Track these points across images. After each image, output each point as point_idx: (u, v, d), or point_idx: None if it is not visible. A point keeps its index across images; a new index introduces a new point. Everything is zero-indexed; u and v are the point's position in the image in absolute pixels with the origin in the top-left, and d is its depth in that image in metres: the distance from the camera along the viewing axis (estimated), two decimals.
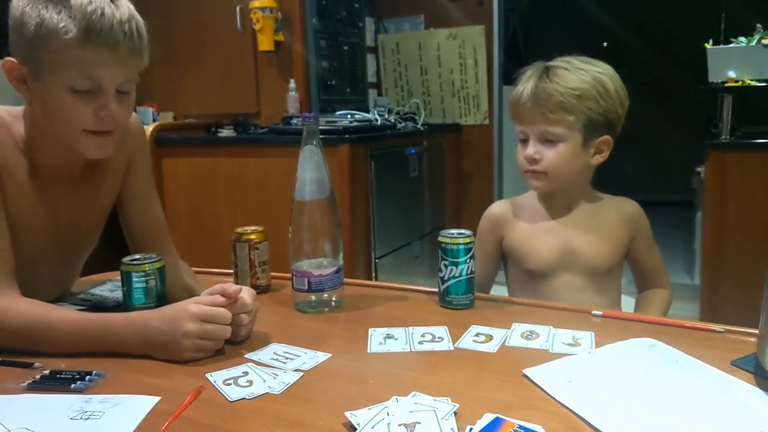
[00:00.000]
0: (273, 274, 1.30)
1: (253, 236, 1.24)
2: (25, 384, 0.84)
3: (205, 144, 3.06)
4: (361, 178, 2.74)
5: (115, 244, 1.24)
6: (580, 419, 0.72)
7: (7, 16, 0.96)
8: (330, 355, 0.93)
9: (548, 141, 1.26)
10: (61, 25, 0.90)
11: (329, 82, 3.39)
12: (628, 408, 0.74)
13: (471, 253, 1.12)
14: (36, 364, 0.89)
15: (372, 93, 3.85)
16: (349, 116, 3.04)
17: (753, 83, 2.57)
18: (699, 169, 3.05)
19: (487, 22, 3.69)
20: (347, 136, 2.68)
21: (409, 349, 0.95)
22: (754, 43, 2.58)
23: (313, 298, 1.13)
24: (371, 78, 3.86)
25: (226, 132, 3.10)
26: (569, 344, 0.94)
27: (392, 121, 3.21)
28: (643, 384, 0.80)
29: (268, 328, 1.03)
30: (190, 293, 1.11)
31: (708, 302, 2.59)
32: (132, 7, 0.97)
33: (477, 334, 1.00)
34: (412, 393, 0.77)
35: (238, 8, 3.24)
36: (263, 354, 0.93)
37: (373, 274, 2.84)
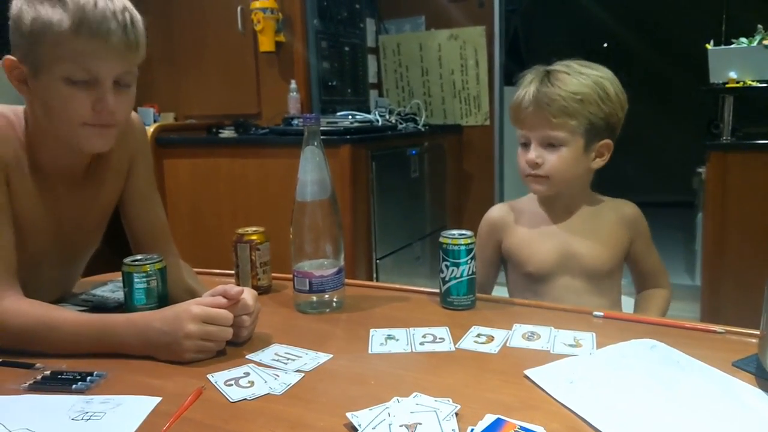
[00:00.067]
0: (274, 274, 1.30)
1: (254, 237, 1.24)
2: (27, 384, 0.84)
3: (206, 145, 3.07)
4: (362, 178, 2.74)
5: (117, 244, 1.24)
6: (581, 420, 0.72)
7: (8, 18, 0.97)
8: (331, 355, 0.93)
9: (550, 145, 1.27)
10: (56, 18, 0.91)
11: (330, 83, 3.39)
12: (630, 409, 0.74)
13: (472, 253, 1.12)
14: (37, 365, 0.89)
15: (373, 94, 3.85)
16: (350, 117, 3.04)
17: (754, 84, 2.57)
18: (700, 170, 3.05)
19: (488, 23, 3.69)
20: (348, 136, 2.68)
21: (410, 350, 0.95)
22: (755, 43, 2.57)
23: (315, 298, 1.13)
24: (372, 79, 3.86)
25: (227, 133, 3.10)
26: (570, 345, 0.94)
27: (393, 121, 3.22)
28: (644, 385, 0.80)
29: (270, 328, 1.03)
30: (192, 294, 1.11)
31: (709, 303, 2.59)
32: (127, 0, 0.98)
33: (478, 335, 1.00)
34: (414, 394, 0.77)
35: (239, 9, 3.24)
36: (264, 355, 0.93)
37: (374, 275, 2.84)
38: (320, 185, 1.11)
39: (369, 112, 3.23)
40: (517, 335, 0.99)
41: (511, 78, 3.70)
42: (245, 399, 0.79)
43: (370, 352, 0.95)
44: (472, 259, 1.12)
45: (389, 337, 1.00)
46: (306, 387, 0.83)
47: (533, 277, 1.33)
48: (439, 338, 0.99)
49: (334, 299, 1.14)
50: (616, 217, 1.35)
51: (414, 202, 3.29)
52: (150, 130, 2.96)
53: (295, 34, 3.23)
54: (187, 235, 2.93)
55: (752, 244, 2.48)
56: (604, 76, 1.26)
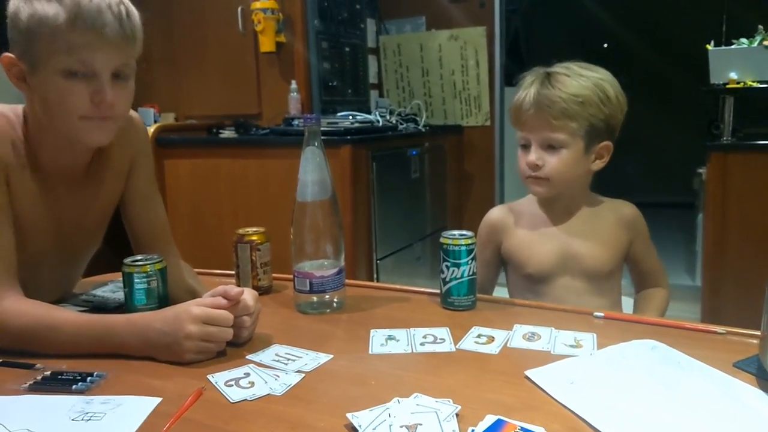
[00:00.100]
0: (274, 275, 1.30)
1: (254, 237, 1.24)
2: (27, 385, 0.84)
3: (207, 145, 3.07)
4: (363, 179, 2.74)
5: (118, 245, 1.24)
6: (581, 421, 0.72)
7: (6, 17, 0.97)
8: (331, 356, 0.93)
9: (550, 147, 1.27)
10: (52, 13, 0.92)
11: (331, 84, 3.39)
12: (630, 409, 0.74)
13: (473, 254, 1.12)
14: (37, 365, 0.89)
15: (373, 94, 3.85)
16: (350, 117, 3.04)
17: (754, 84, 2.57)
18: (700, 171, 3.05)
19: (489, 24, 3.69)
20: (349, 137, 2.68)
21: (410, 351, 0.95)
22: (755, 44, 2.57)
23: (315, 299, 1.13)
24: (372, 79, 3.86)
25: (228, 133, 3.10)
26: (571, 346, 0.94)
27: (394, 122, 3.21)
28: (644, 385, 0.80)
29: (270, 329, 1.03)
30: (192, 294, 1.11)
31: (709, 304, 2.59)
32: None
33: (479, 336, 1.00)
34: (414, 394, 0.77)
35: (239, 9, 3.24)
36: (265, 355, 0.93)
37: (375, 276, 2.84)
38: (321, 186, 1.11)
39: (369, 113, 3.23)
40: (517, 336, 0.99)
41: (511, 78, 3.70)
42: (245, 399, 0.79)
43: (370, 352, 0.95)
44: (472, 259, 1.12)
45: (390, 337, 1.00)
46: (306, 387, 0.83)
47: (533, 279, 1.33)
48: (440, 339, 0.99)
49: (335, 300, 1.14)
50: (615, 217, 1.35)
51: (414, 203, 3.29)
52: (150, 130, 2.95)
53: (295, 35, 3.23)
54: (187, 235, 2.92)
55: (753, 245, 2.48)
56: (604, 78, 1.27)
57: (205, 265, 1.37)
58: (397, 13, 3.90)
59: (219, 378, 0.85)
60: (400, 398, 0.75)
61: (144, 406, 0.77)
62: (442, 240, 1.13)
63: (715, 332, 0.99)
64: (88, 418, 0.75)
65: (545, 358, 0.90)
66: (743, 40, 2.62)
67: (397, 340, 0.98)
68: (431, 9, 3.82)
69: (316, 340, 0.99)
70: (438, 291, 1.16)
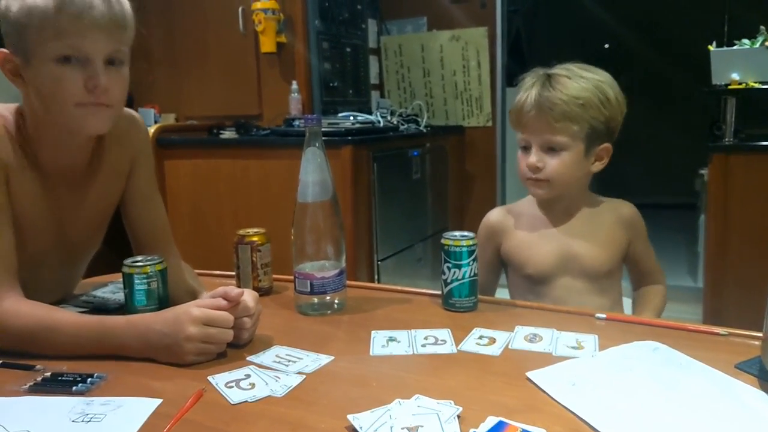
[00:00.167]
0: (275, 276, 1.29)
1: (255, 238, 1.23)
2: (27, 386, 0.83)
3: (207, 146, 3.06)
4: (364, 180, 2.74)
5: (118, 245, 1.24)
6: (583, 422, 0.72)
7: None
8: (332, 357, 0.92)
9: (551, 149, 1.27)
10: (40, 2, 0.92)
11: (332, 84, 3.39)
12: (632, 411, 0.74)
13: (474, 255, 1.12)
14: (38, 367, 0.89)
15: (374, 95, 3.85)
16: (351, 118, 3.04)
17: (756, 85, 2.56)
18: (702, 172, 3.04)
19: (490, 24, 3.69)
20: (350, 137, 2.68)
21: (411, 352, 0.95)
22: (757, 45, 2.57)
23: (316, 300, 1.12)
24: (374, 80, 3.86)
25: (228, 134, 3.10)
26: (572, 347, 0.94)
27: (395, 123, 3.21)
28: (646, 387, 0.80)
29: (271, 330, 1.03)
30: (193, 295, 1.11)
31: (711, 305, 2.58)
32: None
33: (480, 337, 0.99)
34: (415, 396, 0.76)
35: (240, 10, 3.24)
36: (265, 357, 0.93)
37: (376, 277, 2.84)
38: (321, 186, 1.11)
39: (370, 113, 3.22)
40: (519, 337, 0.99)
41: (513, 79, 3.69)
42: (246, 401, 0.79)
43: (371, 354, 0.95)
44: (474, 260, 1.11)
45: (391, 339, 1.00)
46: (307, 389, 0.83)
47: (533, 279, 1.33)
48: (441, 340, 0.98)
49: (336, 301, 1.14)
50: (614, 217, 1.35)
51: (416, 204, 3.28)
52: (151, 131, 2.95)
53: (296, 35, 3.23)
54: (188, 236, 2.92)
55: (755, 246, 2.48)
56: (603, 80, 1.27)
57: (205, 266, 1.37)
58: (399, 14, 3.90)
59: (219, 379, 0.85)
60: (401, 400, 0.75)
61: (144, 407, 0.77)
62: (443, 241, 1.12)
63: (716, 334, 0.99)
64: (89, 419, 0.75)
65: (547, 359, 0.90)
66: (745, 40, 2.61)
67: (398, 342, 0.98)
68: (432, 9, 3.82)
69: (317, 342, 0.99)
70: (439, 292, 1.16)
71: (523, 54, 4.25)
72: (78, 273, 1.28)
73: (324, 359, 0.92)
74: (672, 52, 5.26)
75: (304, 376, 0.86)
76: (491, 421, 0.71)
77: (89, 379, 0.84)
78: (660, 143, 5.38)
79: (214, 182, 2.96)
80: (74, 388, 0.82)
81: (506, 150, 3.79)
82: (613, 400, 0.76)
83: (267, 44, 3.20)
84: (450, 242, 1.11)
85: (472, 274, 1.11)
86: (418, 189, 3.27)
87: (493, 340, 0.98)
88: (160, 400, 0.79)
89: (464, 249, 1.11)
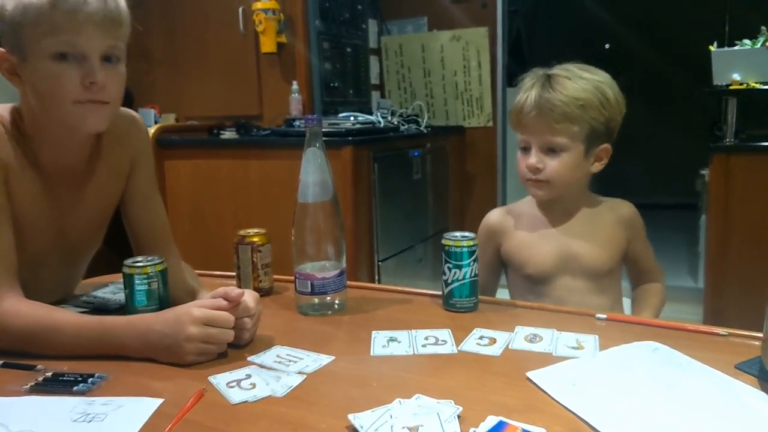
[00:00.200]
0: (276, 276, 1.29)
1: (255, 239, 1.23)
2: (28, 386, 0.84)
3: (208, 146, 3.06)
4: (364, 180, 2.74)
5: (118, 246, 1.24)
6: (583, 422, 0.72)
7: None
8: (333, 357, 0.92)
9: (551, 150, 1.27)
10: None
11: (332, 84, 3.39)
12: (632, 411, 0.74)
13: (474, 255, 1.12)
14: (39, 367, 0.89)
15: (375, 95, 3.85)
16: (352, 118, 3.04)
17: (757, 86, 2.56)
18: (703, 172, 3.04)
19: (491, 24, 3.69)
20: (350, 138, 2.67)
21: (412, 352, 0.95)
22: (758, 45, 2.57)
23: (316, 300, 1.13)
24: (374, 80, 3.86)
25: (229, 134, 3.10)
26: (573, 347, 0.94)
27: (395, 123, 3.21)
28: (646, 387, 0.80)
29: (271, 330, 1.03)
30: (193, 295, 1.11)
31: (712, 305, 2.58)
32: None
33: (480, 337, 0.99)
34: (416, 396, 0.76)
35: (240, 10, 3.24)
36: (266, 357, 0.93)
37: (376, 277, 2.84)
38: (322, 187, 1.11)
39: (371, 114, 3.22)
40: (519, 337, 0.99)
41: (513, 79, 3.69)
42: (247, 401, 0.79)
43: (372, 354, 0.95)
44: (474, 261, 1.12)
45: (391, 339, 1.00)
46: (308, 389, 0.83)
47: (533, 279, 1.33)
48: (441, 340, 0.98)
49: (336, 301, 1.14)
50: (614, 217, 1.36)
51: (416, 204, 3.28)
52: (151, 131, 2.95)
53: (296, 35, 3.23)
54: (188, 236, 2.92)
55: (755, 247, 2.48)
56: (603, 81, 1.27)
57: (205, 266, 1.37)
58: (399, 14, 3.90)
59: (220, 379, 0.85)
60: (401, 399, 0.75)
61: (145, 407, 0.77)
62: (443, 241, 1.12)
63: (717, 334, 0.99)
64: (90, 419, 0.75)
65: (547, 359, 0.90)
66: (746, 41, 2.61)
67: (399, 342, 0.98)
68: (433, 9, 3.82)
69: (318, 342, 0.99)
70: (440, 292, 1.16)
71: (523, 54, 4.25)
72: (78, 273, 1.29)
73: (325, 359, 0.92)
74: (672, 53, 5.26)
75: (305, 376, 0.86)
76: (491, 420, 0.71)
77: (90, 379, 0.84)
78: (660, 143, 5.38)
79: (214, 182, 2.96)
80: (75, 388, 0.82)
81: (507, 150, 3.78)
82: (613, 400, 0.76)
83: (267, 44, 3.20)
84: (451, 243, 1.11)
85: (472, 274, 1.11)
86: (419, 189, 3.27)
87: (493, 341, 0.98)
88: (161, 400, 0.79)
89: (465, 249, 1.11)
